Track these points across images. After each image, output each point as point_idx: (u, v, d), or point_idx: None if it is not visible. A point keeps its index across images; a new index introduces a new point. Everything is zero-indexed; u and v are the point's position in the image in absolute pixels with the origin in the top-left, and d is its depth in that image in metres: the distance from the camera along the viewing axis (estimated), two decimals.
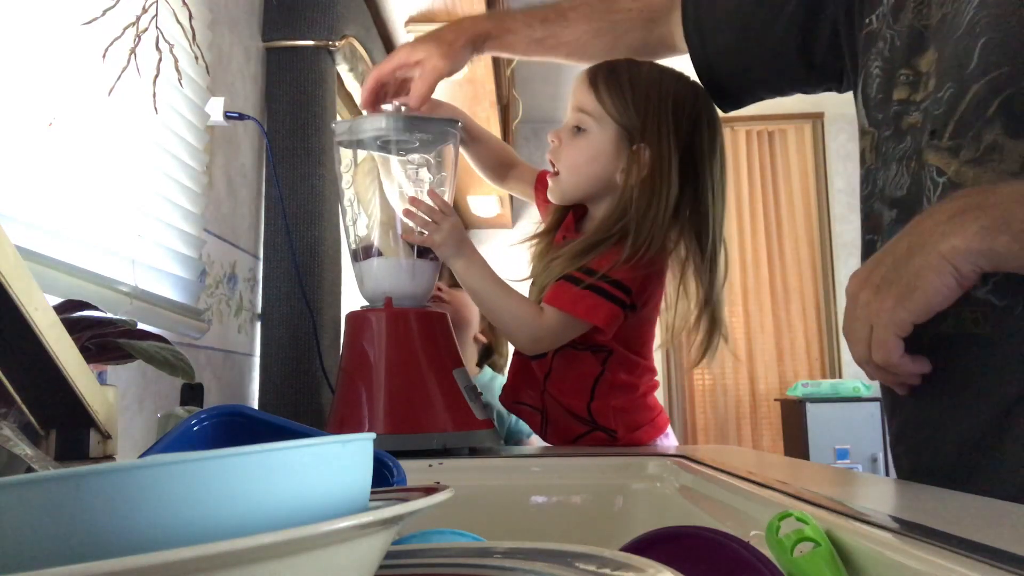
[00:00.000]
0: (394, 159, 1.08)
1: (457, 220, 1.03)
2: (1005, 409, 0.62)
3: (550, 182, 1.12)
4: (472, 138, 1.20)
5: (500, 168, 1.28)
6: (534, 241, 1.18)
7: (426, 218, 1.01)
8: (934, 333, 0.63)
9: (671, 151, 1.03)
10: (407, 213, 1.02)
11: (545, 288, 1.06)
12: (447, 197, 1.07)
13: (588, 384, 1.09)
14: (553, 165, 1.11)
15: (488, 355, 1.83)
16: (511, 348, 1.19)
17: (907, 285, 0.57)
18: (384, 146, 1.05)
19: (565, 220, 1.15)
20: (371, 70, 1.07)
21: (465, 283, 1.07)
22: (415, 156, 1.09)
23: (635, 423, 1.10)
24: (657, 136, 1.04)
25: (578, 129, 1.08)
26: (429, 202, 1.02)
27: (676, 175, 1.03)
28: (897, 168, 0.73)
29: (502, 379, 1.80)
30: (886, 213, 0.74)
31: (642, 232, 1.01)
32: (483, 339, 1.79)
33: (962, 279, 0.55)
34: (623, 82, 1.06)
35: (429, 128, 1.04)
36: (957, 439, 0.66)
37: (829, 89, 0.94)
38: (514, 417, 1.73)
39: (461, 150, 1.18)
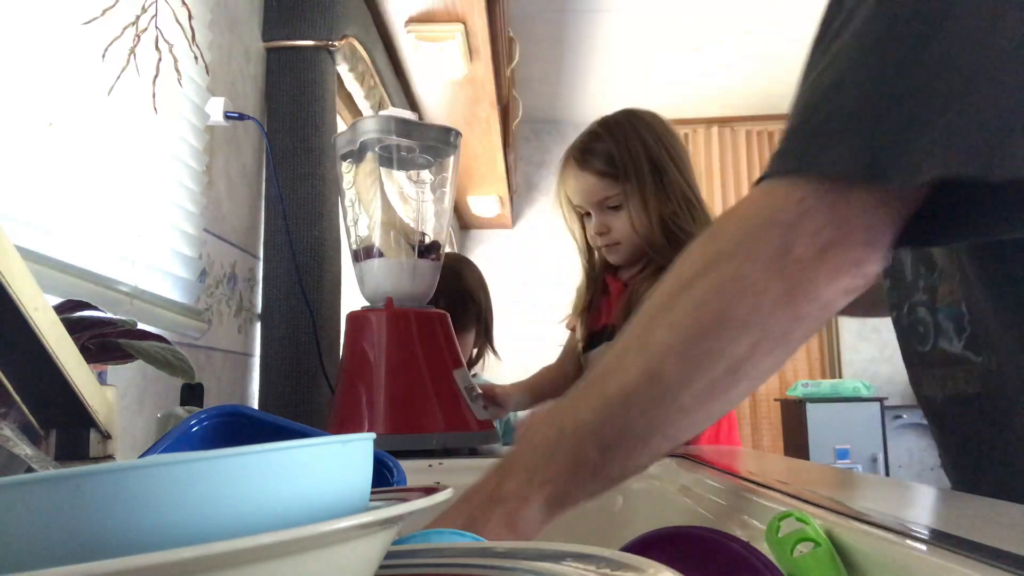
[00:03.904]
0: (395, 159, 1.08)
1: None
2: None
3: (608, 252, 1.23)
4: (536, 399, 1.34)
5: (560, 380, 1.38)
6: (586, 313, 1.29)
7: None
8: (951, 394, 0.65)
9: (676, 167, 1.16)
10: None
11: None
12: (447, 199, 1.07)
13: None
14: (602, 243, 1.23)
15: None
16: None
17: None
18: (386, 158, 1.05)
19: (602, 284, 1.28)
20: (371, 71, 1.08)
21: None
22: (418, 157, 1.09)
23: None
24: (664, 165, 1.16)
25: (610, 208, 1.18)
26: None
27: (689, 180, 1.17)
28: None
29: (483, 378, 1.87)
30: None
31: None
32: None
33: None
34: (607, 149, 1.16)
35: (428, 133, 1.04)
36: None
37: None
38: (511, 415, 1.76)
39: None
